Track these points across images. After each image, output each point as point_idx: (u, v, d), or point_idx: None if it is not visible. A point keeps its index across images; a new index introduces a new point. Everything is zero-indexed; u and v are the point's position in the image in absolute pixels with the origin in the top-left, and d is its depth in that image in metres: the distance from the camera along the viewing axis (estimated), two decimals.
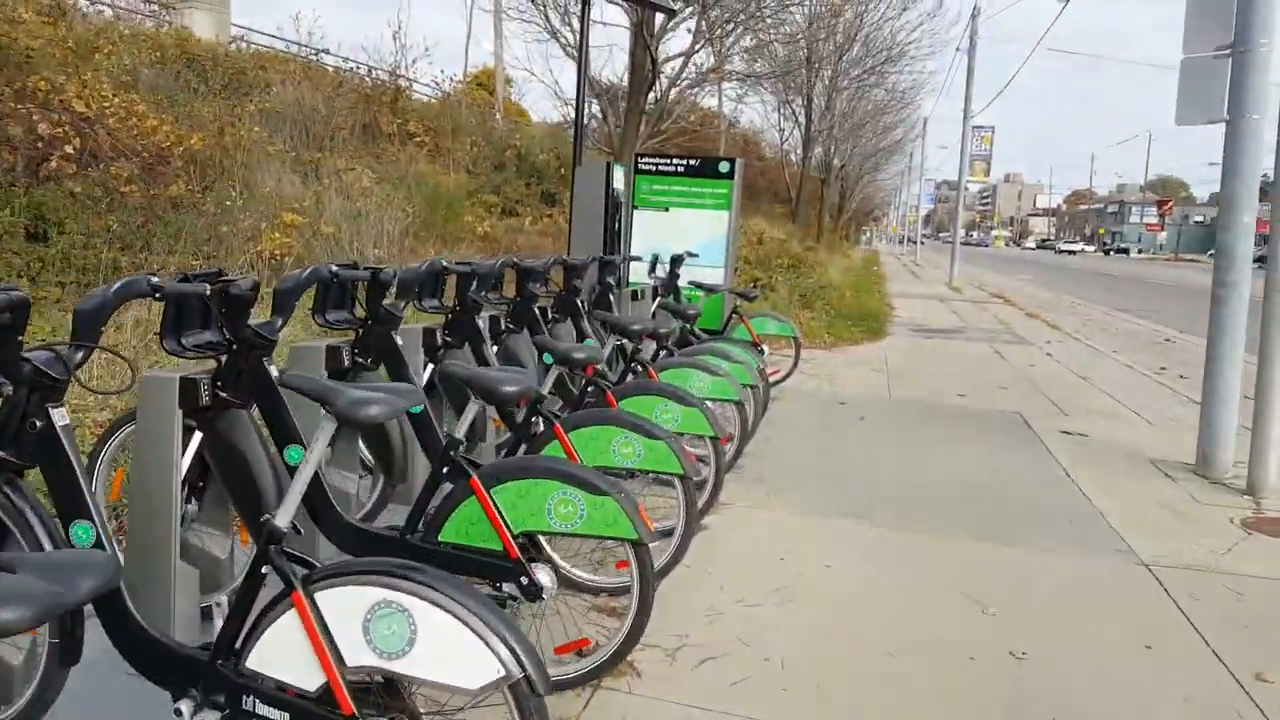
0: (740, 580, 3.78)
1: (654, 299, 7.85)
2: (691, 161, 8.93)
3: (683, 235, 8.73)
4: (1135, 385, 9.70)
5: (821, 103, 25.44)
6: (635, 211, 8.92)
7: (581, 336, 5.56)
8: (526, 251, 11.72)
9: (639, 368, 4.75)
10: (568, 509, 2.62)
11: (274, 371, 2.85)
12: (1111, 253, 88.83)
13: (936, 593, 3.79)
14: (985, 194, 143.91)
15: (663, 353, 5.50)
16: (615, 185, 7.35)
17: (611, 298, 6.36)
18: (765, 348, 8.30)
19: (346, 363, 3.47)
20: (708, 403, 4.97)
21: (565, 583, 3.48)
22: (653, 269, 8.15)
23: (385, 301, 3.53)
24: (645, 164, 8.90)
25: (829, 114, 26.14)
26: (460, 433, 2.72)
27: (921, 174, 57.08)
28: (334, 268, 3.11)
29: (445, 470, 2.73)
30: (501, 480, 2.65)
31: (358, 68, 16.48)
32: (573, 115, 11.55)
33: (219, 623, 2.10)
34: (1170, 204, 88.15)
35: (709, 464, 4.21)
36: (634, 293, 7.57)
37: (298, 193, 9.61)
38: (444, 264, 3.85)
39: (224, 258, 7.85)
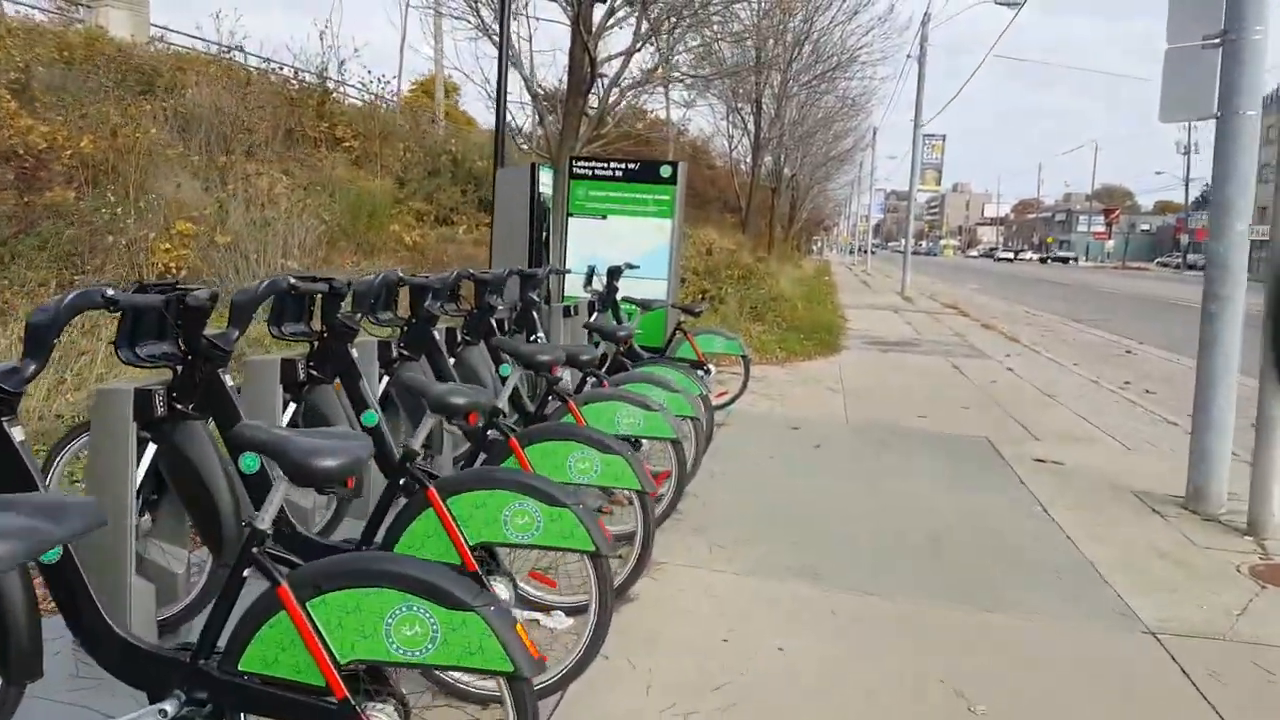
0: (672, 675, 3.04)
1: (591, 315, 7.13)
2: (630, 165, 8.19)
3: (622, 245, 8.01)
4: (1103, 403, 9.17)
5: (771, 109, 24.90)
6: (570, 219, 8.18)
7: (499, 363, 4.81)
8: (459, 263, 10.91)
9: (560, 401, 4.02)
10: (415, 629, 1.87)
11: (18, 435, 2.08)
12: (1049, 260, 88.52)
13: (912, 683, 3.09)
14: (933, 204, 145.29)
15: (591, 381, 4.77)
16: (542, 190, 6.57)
17: (536, 316, 5.60)
18: (712, 367, 7.60)
19: (161, 410, 2.68)
20: (643, 441, 4.28)
21: (450, 691, 2.74)
22: (589, 282, 7.43)
23: (210, 331, 2.73)
24: (580, 168, 8.15)
25: (779, 121, 25.60)
26: (265, 521, 1.95)
27: (871, 183, 57.08)
28: (109, 291, 2.32)
29: (245, 573, 1.96)
30: (322, 590, 1.88)
31: (280, 68, 15.53)
32: (509, 117, 10.81)
33: None
34: (1117, 212, 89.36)
35: (637, 518, 3.47)
36: (566, 309, 6.83)
37: (199, 200, 8.73)
38: (291, 281, 3.06)
39: (102, 270, 6.97)
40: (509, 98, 8.28)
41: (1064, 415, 8.36)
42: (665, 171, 8.09)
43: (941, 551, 4.45)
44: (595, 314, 7.13)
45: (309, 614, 1.88)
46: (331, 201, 10.89)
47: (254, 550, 1.95)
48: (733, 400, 7.83)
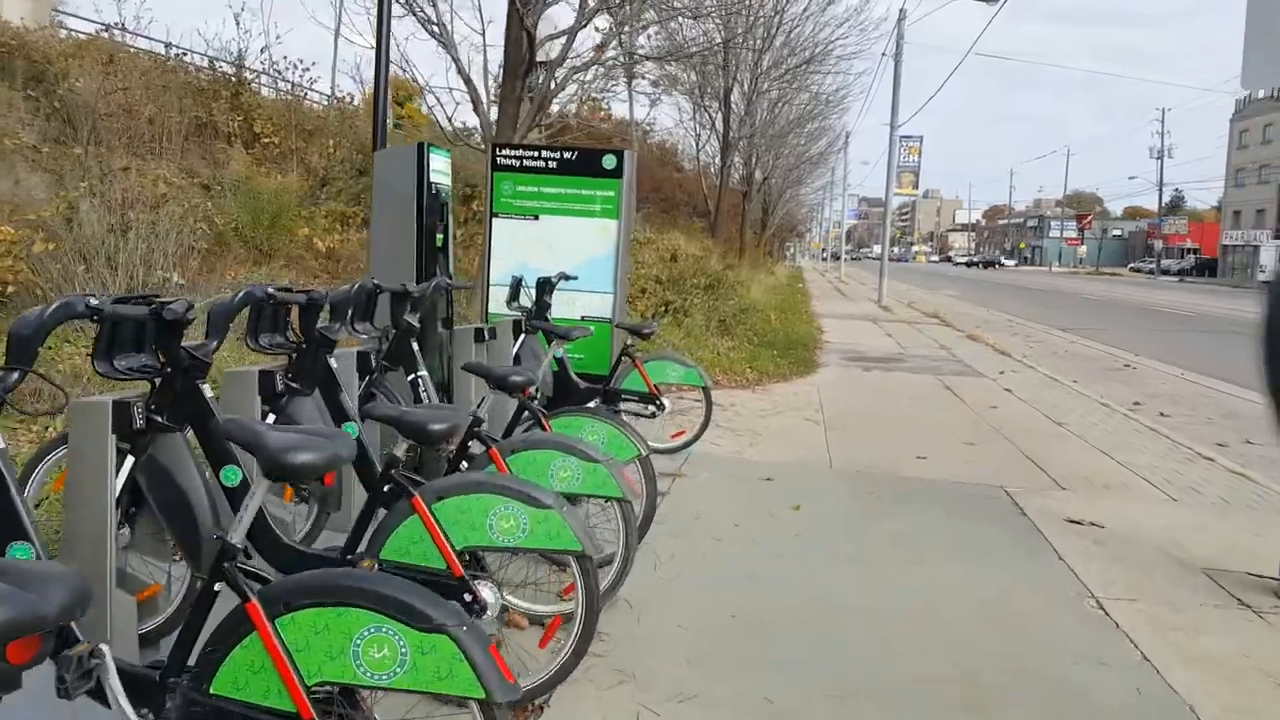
0: None
1: (516, 338, 5.70)
2: (566, 154, 6.73)
3: (558, 252, 6.59)
4: (1120, 432, 7.89)
5: (741, 107, 23.51)
6: (495, 220, 6.74)
7: (341, 420, 3.36)
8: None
9: (403, 494, 2.56)
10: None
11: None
12: (980, 265, 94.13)
13: None
14: (905, 210, 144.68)
15: (474, 444, 3.33)
16: (436, 179, 5.08)
17: (416, 347, 4.14)
18: (666, 402, 6.21)
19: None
20: (534, 547, 2.83)
21: None
22: (514, 297, 6.01)
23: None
24: (506, 157, 6.70)
25: (749, 120, 24.23)
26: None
27: (844, 188, 56.01)
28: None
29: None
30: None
31: (185, 54, 13.89)
32: (458, 111, 9.39)
33: None
34: (1089, 218, 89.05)
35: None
36: (480, 332, 5.37)
37: (45, 200, 7.20)
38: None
39: None
40: (440, 85, 6.82)
41: (1082, 451, 7.04)
42: (609, 162, 6.65)
43: (985, 703, 3.04)
44: (521, 338, 5.72)
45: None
46: (234, 201, 9.38)
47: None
48: (691, 441, 6.44)
